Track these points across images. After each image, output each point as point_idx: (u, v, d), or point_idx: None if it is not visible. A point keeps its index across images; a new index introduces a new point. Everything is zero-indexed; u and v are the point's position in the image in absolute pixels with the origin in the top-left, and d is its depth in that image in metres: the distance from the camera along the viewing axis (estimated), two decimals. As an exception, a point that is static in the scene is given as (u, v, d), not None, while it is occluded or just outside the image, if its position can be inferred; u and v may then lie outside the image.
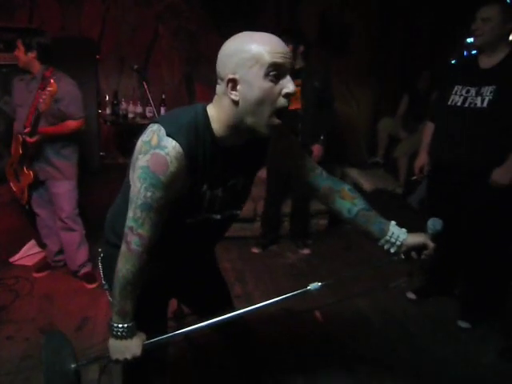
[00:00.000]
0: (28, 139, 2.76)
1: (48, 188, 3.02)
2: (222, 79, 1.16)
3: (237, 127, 1.19)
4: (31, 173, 2.92)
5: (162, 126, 1.15)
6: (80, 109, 2.90)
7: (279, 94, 1.14)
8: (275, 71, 1.12)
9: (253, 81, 1.12)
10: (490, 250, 2.58)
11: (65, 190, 3.01)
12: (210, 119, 1.20)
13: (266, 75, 1.11)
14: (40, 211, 3.16)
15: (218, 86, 1.20)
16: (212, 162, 1.22)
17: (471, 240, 2.60)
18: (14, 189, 3.08)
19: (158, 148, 1.13)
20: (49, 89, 2.62)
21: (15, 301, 2.88)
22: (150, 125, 1.20)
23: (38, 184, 3.00)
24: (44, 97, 2.63)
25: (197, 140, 1.17)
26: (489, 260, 2.60)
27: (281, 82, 1.14)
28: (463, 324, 2.70)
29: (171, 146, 1.12)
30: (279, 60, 1.12)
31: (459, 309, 2.82)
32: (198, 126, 1.18)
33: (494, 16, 2.35)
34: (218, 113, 1.20)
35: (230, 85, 1.13)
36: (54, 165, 2.94)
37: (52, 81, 2.63)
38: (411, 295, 3.00)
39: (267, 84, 1.12)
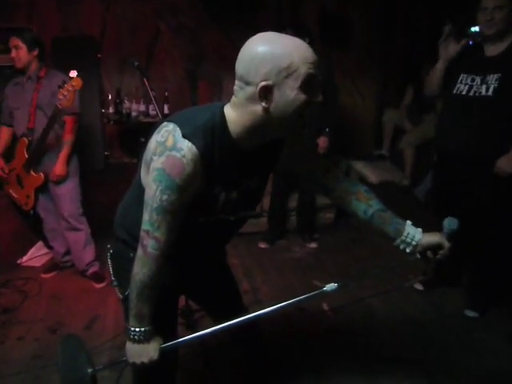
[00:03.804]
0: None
1: (50, 188, 3.00)
2: (249, 83, 1.10)
3: (259, 131, 1.17)
4: (42, 174, 2.91)
5: (178, 126, 1.13)
6: (75, 105, 2.85)
7: (309, 103, 1.13)
8: (310, 83, 1.10)
9: (288, 91, 1.09)
10: (496, 238, 2.57)
11: (67, 189, 2.99)
12: (228, 121, 1.17)
13: (301, 86, 1.09)
14: (45, 214, 3.15)
15: (239, 89, 1.14)
16: (228, 164, 1.20)
17: (477, 228, 2.58)
18: (16, 196, 3.05)
19: (173, 150, 1.10)
20: (73, 84, 2.58)
21: (24, 302, 2.90)
22: (165, 123, 1.17)
23: (46, 186, 2.98)
24: (65, 93, 2.59)
25: (213, 142, 1.15)
26: (495, 248, 2.59)
27: (312, 92, 1.13)
28: (470, 313, 2.70)
29: (187, 147, 1.10)
30: (313, 71, 1.10)
31: (466, 298, 2.81)
32: (214, 127, 1.15)
33: (506, 3, 2.35)
34: (238, 116, 1.16)
35: (261, 92, 1.09)
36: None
37: (75, 76, 2.59)
38: (419, 286, 2.98)
39: (302, 96, 1.10)
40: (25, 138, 2.88)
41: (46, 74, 2.88)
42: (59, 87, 2.63)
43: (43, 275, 3.25)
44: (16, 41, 2.80)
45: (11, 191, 3.08)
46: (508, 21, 2.38)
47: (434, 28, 4.83)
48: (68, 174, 2.95)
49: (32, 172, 2.91)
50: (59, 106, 2.65)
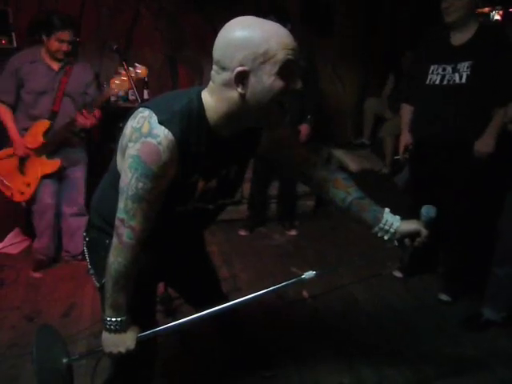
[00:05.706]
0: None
1: (66, 175, 2.96)
2: (225, 69, 1.08)
3: (236, 118, 1.15)
4: (58, 161, 2.82)
5: (154, 112, 1.10)
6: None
7: (288, 90, 1.11)
8: (288, 69, 1.08)
9: (264, 77, 1.07)
10: (472, 223, 2.61)
11: (83, 173, 3.02)
12: (205, 107, 1.15)
13: (279, 72, 1.07)
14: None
15: (216, 75, 1.12)
16: (205, 151, 1.18)
17: (453, 214, 2.62)
18: (9, 183, 2.84)
19: (149, 136, 1.08)
20: (137, 71, 2.48)
21: (1, 289, 2.85)
22: (140, 109, 1.14)
23: (54, 174, 2.90)
24: (118, 82, 2.52)
25: (190, 128, 1.12)
26: (470, 233, 2.64)
27: (291, 78, 1.11)
28: (444, 297, 2.74)
29: (163, 134, 1.08)
30: (292, 57, 1.08)
31: (441, 283, 2.85)
32: (191, 113, 1.13)
33: None
34: (215, 102, 1.14)
35: (237, 78, 1.07)
36: (77, 149, 2.93)
37: (140, 65, 2.52)
38: (398, 273, 3.00)
39: (279, 83, 1.08)
40: (46, 121, 2.76)
41: (76, 62, 2.85)
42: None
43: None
44: (71, 35, 2.70)
45: (7, 181, 2.85)
46: (470, 8, 2.40)
47: (416, 17, 4.88)
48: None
49: (44, 158, 2.80)
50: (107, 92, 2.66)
